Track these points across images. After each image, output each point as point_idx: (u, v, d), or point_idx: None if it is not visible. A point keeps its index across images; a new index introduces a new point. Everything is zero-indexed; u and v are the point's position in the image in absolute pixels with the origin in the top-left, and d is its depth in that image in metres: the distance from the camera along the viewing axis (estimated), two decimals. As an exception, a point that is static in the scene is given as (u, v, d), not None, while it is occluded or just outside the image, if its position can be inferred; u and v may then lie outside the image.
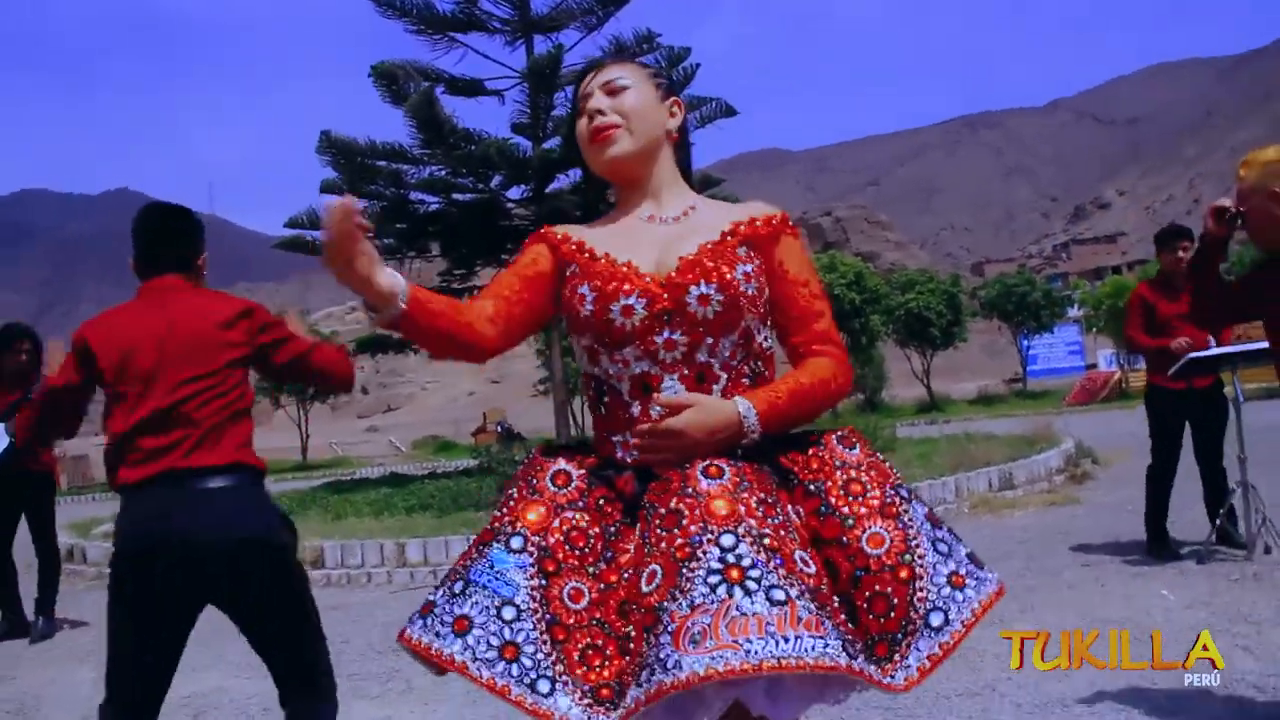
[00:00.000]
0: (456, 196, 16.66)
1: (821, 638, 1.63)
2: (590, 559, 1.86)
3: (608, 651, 1.77)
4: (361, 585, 8.88)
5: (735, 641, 1.59)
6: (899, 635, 1.83)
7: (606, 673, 1.75)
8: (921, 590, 1.85)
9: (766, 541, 1.73)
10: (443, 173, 16.28)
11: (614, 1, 16.27)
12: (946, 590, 1.88)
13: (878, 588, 1.83)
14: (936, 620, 1.85)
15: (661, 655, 1.62)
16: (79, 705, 5.53)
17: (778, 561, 1.71)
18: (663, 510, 1.82)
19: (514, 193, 16.74)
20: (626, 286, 1.99)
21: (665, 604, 1.68)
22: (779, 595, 1.65)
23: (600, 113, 2.12)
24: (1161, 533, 7.10)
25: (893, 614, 1.83)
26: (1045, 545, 7.76)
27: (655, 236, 2.11)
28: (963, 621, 1.87)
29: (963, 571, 1.92)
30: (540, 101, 16.04)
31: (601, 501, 1.93)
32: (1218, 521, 6.87)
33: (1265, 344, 6.78)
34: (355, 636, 6.54)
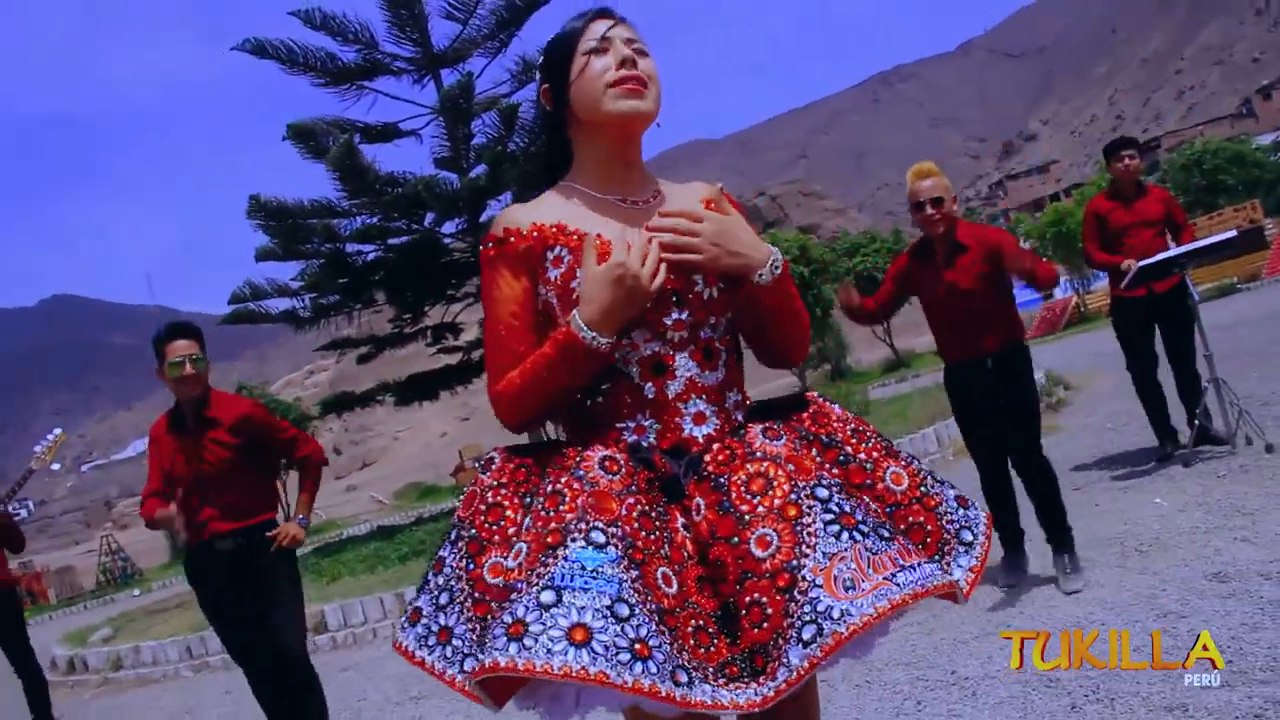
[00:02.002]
0: (392, 241, 16.61)
1: (930, 562, 1.78)
2: (659, 543, 1.77)
3: (710, 630, 1.72)
4: (369, 642, 8.81)
5: (885, 578, 1.66)
6: (937, 557, 1.92)
7: (723, 651, 1.71)
8: (946, 514, 1.98)
9: (846, 490, 1.85)
10: (375, 220, 16.22)
11: (513, 22, 16.27)
12: (961, 511, 2.01)
13: (911, 519, 1.94)
14: (967, 537, 1.98)
15: (821, 608, 1.62)
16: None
17: (865, 506, 1.84)
18: (741, 477, 1.83)
19: (448, 227, 16.70)
20: None
21: (797, 561, 1.69)
22: (885, 533, 1.77)
23: (634, 63, 1.99)
24: (1166, 429, 7.18)
25: (929, 539, 1.93)
26: (1033, 477, 7.78)
27: (632, 218, 2.02)
28: (983, 533, 2.00)
29: (962, 494, 2.05)
30: (459, 132, 16.02)
31: (648, 483, 1.86)
32: (1195, 422, 6.92)
33: (1209, 240, 6.91)
34: (371, 693, 6.49)
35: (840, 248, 36.30)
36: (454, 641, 1.82)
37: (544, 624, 1.58)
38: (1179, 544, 5.06)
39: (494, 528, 1.86)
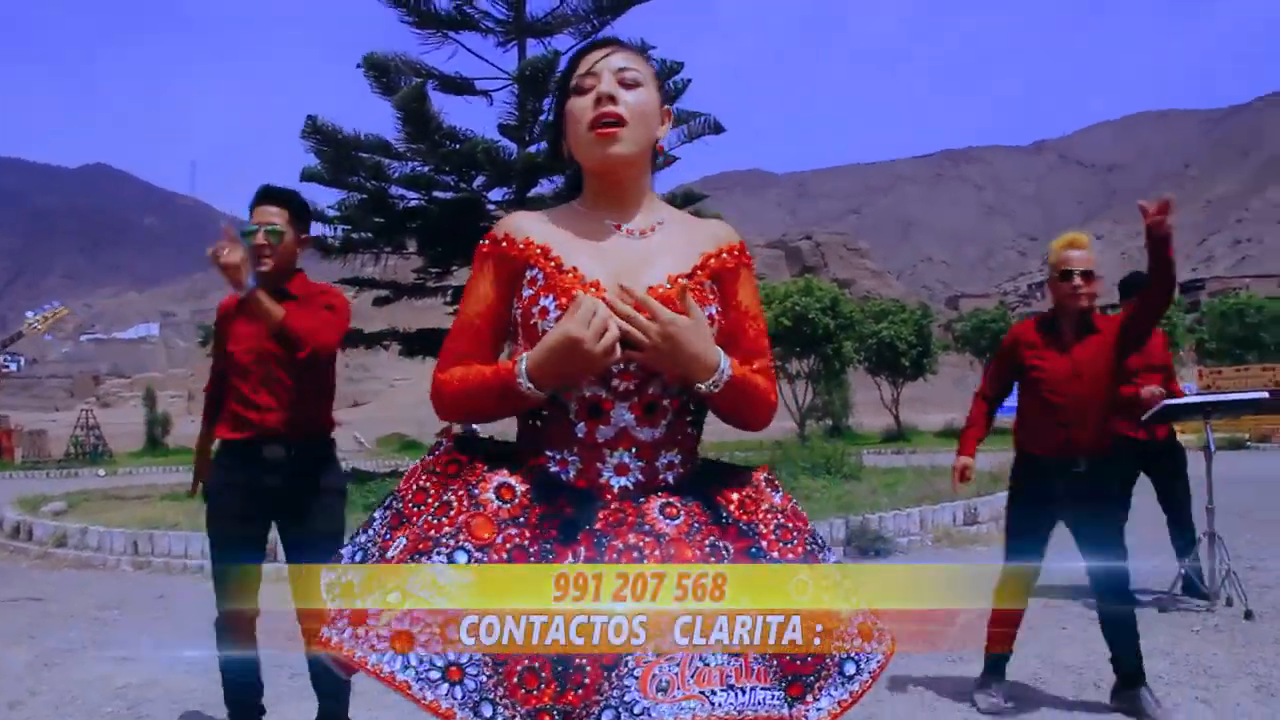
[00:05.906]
0: (437, 194, 16.56)
1: (769, 689, 1.73)
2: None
3: (543, 675, 1.71)
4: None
5: (701, 693, 1.64)
6: (812, 678, 1.86)
7: (545, 697, 1.70)
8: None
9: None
10: (425, 169, 16.18)
11: (610, 9, 16.22)
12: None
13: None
14: (850, 669, 1.91)
15: (627, 699, 1.63)
16: (7, 689, 5.38)
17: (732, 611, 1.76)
18: (619, 544, 1.81)
19: (496, 194, 16.66)
20: None
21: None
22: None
23: (612, 100, 1.96)
24: None
25: (809, 659, 1.86)
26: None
27: (621, 251, 2.00)
28: (870, 672, 1.94)
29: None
30: (529, 105, 15.97)
31: (540, 519, 1.85)
32: (1182, 571, 6.81)
33: (1241, 395, 6.80)
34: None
35: (870, 310, 36.23)
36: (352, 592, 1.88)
37: (378, 620, 1.70)
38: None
39: (414, 509, 1.92)
